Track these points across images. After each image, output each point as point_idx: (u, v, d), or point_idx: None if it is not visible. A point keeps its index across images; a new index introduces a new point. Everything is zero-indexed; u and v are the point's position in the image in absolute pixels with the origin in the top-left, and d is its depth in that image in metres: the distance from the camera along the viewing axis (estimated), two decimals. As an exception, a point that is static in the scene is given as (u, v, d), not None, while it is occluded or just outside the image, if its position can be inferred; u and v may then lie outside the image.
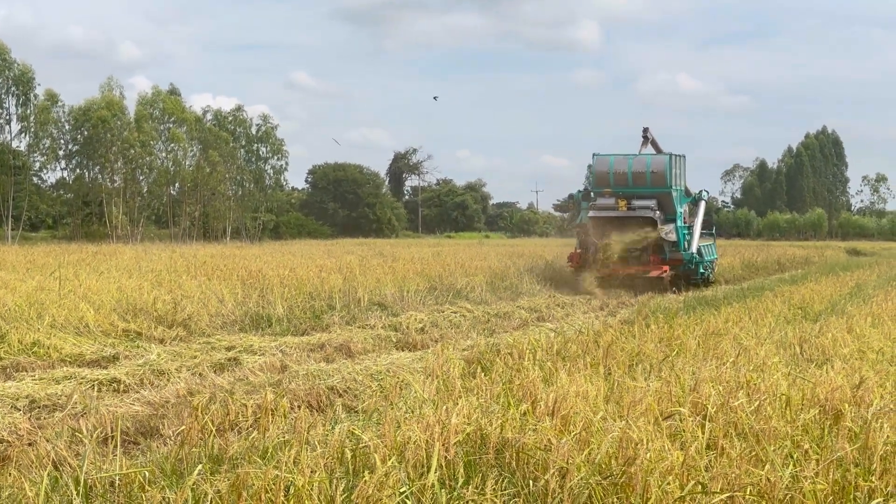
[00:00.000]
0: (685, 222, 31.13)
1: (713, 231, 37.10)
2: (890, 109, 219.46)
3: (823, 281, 29.10)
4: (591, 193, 30.78)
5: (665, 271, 29.37)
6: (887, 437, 6.67)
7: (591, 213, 29.95)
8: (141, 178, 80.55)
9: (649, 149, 32.67)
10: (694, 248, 30.89)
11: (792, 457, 6.60)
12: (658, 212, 29.67)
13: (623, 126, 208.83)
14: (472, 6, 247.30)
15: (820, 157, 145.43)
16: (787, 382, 8.93)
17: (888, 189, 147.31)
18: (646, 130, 32.78)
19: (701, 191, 33.04)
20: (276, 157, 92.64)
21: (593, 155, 31.10)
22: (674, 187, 30.24)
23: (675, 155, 30.95)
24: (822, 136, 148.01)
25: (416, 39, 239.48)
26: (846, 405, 7.71)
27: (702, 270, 31.79)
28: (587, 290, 27.81)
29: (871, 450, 6.53)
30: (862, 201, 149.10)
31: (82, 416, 9.46)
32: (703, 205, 32.64)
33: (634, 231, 29.42)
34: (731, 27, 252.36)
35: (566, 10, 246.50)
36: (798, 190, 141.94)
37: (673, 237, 29.83)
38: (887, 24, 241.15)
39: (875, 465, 6.38)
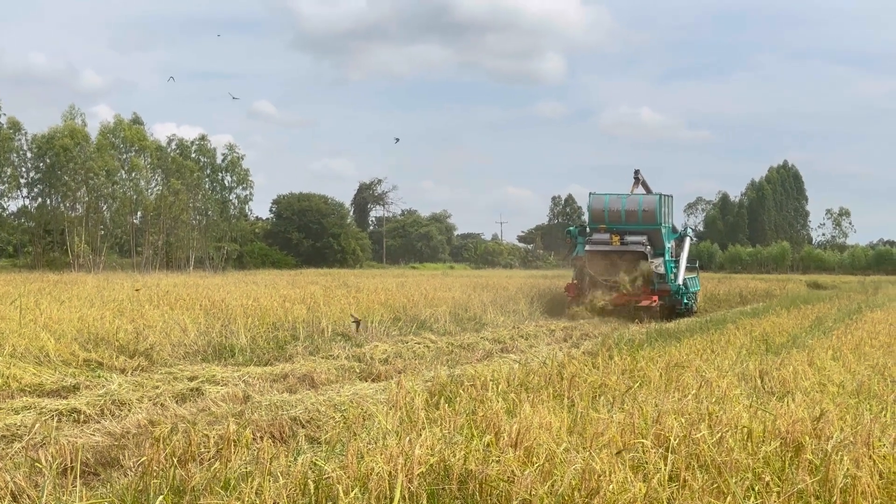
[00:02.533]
0: (672, 256, 33.43)
1: (696, 265, 39.45)
2: (848, 144, 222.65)
3: (785, 314, 29.39)
4: (587, 229, 32.97)
5: (655, 301, 31.29)
6: (847, 469, 6.72)
7: (587, 248, 32.33)
8: (104, 206, 79.81)
9: (640, 189, 34.84)
10: (680, 280, 33.18)
11: (753, 489, 6.64)
12: (648, 247, 32.03)
13: (585, 158, 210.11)
14: (436, 37, 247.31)
15: (781, 190, 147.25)
16: (748, 415, 8.98)
17: (850, 224, 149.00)
18: (637, 172, 35.08)
19: (686, 227, 35.94)
20: (241, 187, 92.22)
21: (590, 194, 33.38)
22: (663, 224, 32.58)
23: (664, 195, 33.32)
24: (783, 170, 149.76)
25: (379, 70, 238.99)
26: (807, 437, 7.77)
27: (686, 301, 33.73)
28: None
29: (832, 482, 6.59)
30: (823, 235, 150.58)
31: (42, 446, 9.34)
32: (687, 241, 35.09)
33: (627, 264, 31.66)
34: (691, 61, 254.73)
35: (529, 42, 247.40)
36: (760, 223, 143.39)
37: (662, 270, 32.05)
38: (845, 61, 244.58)
39: (835, 498, 6.44)
